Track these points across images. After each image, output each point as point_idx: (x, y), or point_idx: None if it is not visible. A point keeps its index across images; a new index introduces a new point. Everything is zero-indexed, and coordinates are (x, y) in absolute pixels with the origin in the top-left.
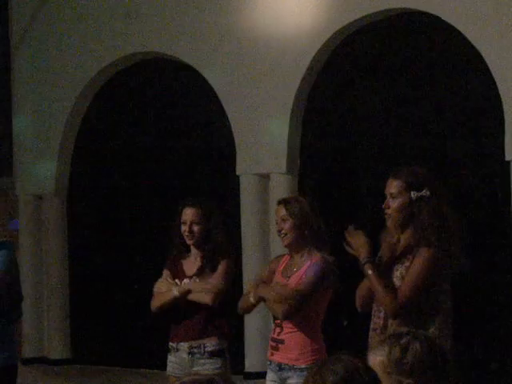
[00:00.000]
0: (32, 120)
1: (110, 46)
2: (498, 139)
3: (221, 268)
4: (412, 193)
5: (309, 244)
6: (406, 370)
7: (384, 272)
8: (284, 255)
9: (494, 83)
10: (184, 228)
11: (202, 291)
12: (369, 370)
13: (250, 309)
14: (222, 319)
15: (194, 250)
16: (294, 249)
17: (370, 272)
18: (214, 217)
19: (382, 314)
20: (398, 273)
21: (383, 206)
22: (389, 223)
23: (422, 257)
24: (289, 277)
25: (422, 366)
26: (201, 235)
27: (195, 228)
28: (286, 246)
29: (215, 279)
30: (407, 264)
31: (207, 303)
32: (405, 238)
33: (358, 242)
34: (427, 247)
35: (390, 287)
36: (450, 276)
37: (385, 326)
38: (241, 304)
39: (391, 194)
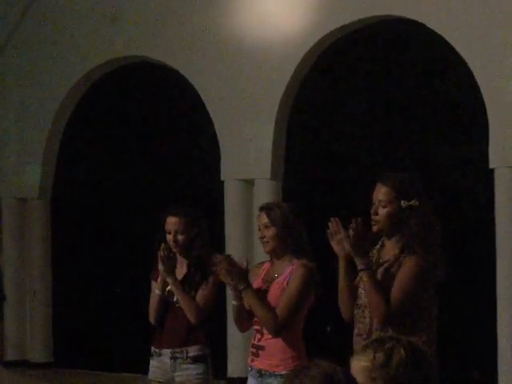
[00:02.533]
0: (16, 123)
1: (95, 50)
2: (482, 147)
3: (210, 285)
4: (402, 202)
5: (290, 250)
6: (390, 375)
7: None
8: (265, 262)
9: (479, 91)
10: (169, 237)
11: (187, 306)
12: (347, 375)
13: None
14: (205, 326)
15: (179, 258)
16: (275, 255)
17: (368, 278)
18: (198, 224)
19: (367, 320)
20: (379, 277)
21: (371, 211)
22: (375, 229)
23: (409, 266)
24: (270, 282)
25: (406, 371)
26: (185, 244)
27: (179, 237)
28: (267, 253)
29: (202, 297)
30: (391, 269)
31: (191, 321)
32: (391, 244)
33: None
34: (413, 256)
35: (384, 294)
36: (435, 284)
37: (370, 331)
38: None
39: (380, 201)
